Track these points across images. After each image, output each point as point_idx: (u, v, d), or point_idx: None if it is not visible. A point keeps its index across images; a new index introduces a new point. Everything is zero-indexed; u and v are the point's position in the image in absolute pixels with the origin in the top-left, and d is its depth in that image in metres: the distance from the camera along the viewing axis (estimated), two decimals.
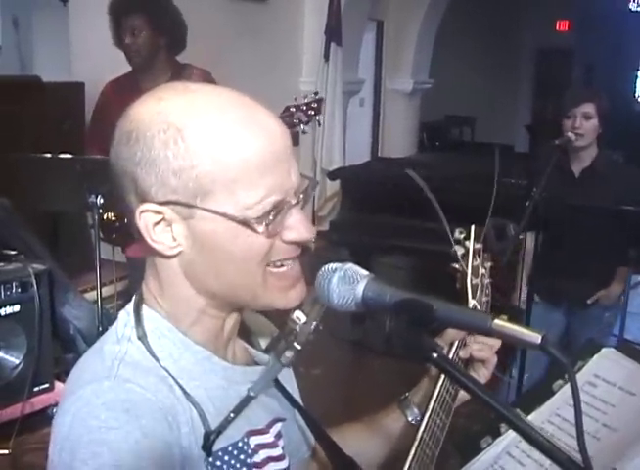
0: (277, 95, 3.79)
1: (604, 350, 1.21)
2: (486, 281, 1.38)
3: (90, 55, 4.77)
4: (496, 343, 1.24)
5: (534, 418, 1.18)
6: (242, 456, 1.08)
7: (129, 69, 3.56)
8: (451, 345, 1.25)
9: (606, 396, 1.13)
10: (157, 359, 1.03)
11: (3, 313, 3.04)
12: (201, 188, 0.98)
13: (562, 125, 3.29)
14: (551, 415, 1.17)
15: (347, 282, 1.00)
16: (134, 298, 1.10)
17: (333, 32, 6.92)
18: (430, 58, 9.19)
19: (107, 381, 0.99)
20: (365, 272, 1.01)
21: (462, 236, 1.36)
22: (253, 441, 1.10)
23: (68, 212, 3.75)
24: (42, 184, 2.98)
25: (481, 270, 1.37)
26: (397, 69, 8.84)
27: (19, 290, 3.06)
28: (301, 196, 1.05)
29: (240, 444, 1.08)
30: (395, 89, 8.87)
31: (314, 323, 1.07)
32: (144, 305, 1.08)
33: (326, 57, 6.94)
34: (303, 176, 1.07)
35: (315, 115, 3.39)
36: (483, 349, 1.24)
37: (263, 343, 1.23)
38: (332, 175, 5.88)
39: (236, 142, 0.99)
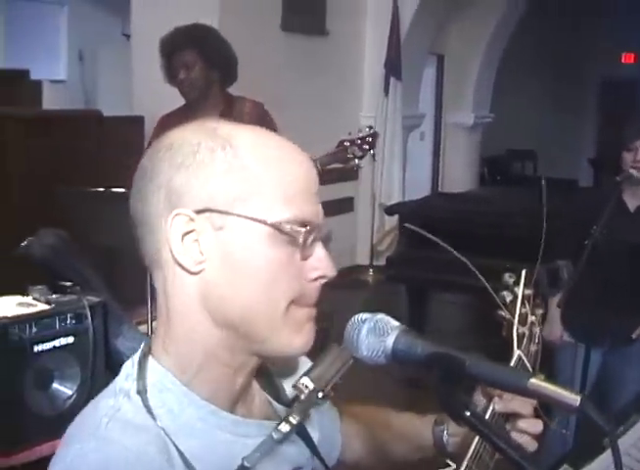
0: (337, 129, 3.78)
1: None
2: (536, 330, 1.30)
3: (151, 89, 4.83)
4: (536, 429, 1.15)
5: None
6: None
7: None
8: (490, 399, 1.17)
9: None
10: (154, 417, 0.98)
11: (58, 344, 3.05)
12: (242, 194, 0.97)
13: (622, 159, 3.20)
14: (609, 468, 1.10)
15: (378, 334, 0.97)
16: (142, 347, 1.07)
17: (393, 66, 6.92)
18: (491, 91, 9.13)
19: (93, 441, 0.96)
20: (396, 323, 0.98)
21: (512, 280, 1.29)
22: None
23: (123, 246, 3.77)
24: (97, 218, 3.01)
25: (531, 318, 1.29)
26: (458, 102, 8.80)
27: (73, 321, 3.08)
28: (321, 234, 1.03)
29: None
30: (456, 123, 8.81)
31: (321, 393, 1.00)
32: (150, 357, 1.04)
33: (386, 91, 6.94)
34: None
35: (370, 149, 3.36)
36: (522, 405, 1.17)
37: (287, 384, 1.16)
38: (389, 210, 5.84)
39: (282, 161, 1.01)
